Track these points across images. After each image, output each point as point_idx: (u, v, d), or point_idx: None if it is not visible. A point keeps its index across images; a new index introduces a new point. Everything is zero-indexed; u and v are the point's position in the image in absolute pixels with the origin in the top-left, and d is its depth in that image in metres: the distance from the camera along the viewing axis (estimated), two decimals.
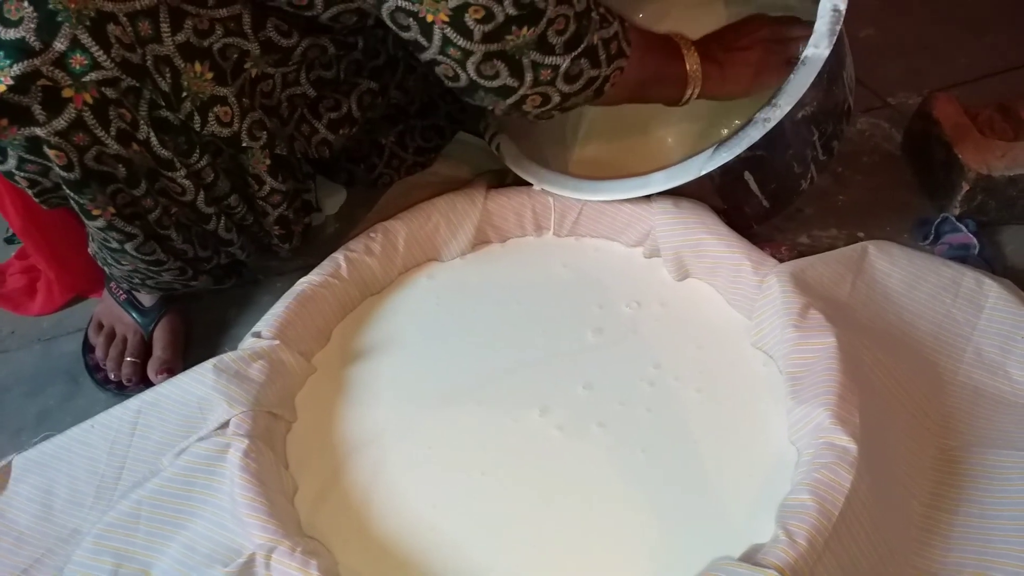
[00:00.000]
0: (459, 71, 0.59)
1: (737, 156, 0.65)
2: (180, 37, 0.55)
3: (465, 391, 0.68)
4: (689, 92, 0.71)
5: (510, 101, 0.62)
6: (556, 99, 0.62)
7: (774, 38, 0.73)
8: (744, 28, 0.74)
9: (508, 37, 0.57)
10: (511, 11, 0.55)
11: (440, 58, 0.59)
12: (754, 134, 0.64)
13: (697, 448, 0.62)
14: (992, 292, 0.68)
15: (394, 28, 0.59)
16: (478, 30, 0.56)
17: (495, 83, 0.60)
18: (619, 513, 0.59)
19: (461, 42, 0.57)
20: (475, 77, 0.59)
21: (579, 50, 0.60)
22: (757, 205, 0.73)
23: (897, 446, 0.59)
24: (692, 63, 0.70)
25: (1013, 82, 0.96)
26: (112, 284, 0.82)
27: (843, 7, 0.63)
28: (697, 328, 0.71)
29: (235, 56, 0.59)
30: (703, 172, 0.66)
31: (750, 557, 0.51)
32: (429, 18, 0.56)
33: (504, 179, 0.84)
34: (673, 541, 0.57)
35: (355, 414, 0.68)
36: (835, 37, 0.63)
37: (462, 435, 0.65)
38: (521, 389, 0.67)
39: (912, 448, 0.60)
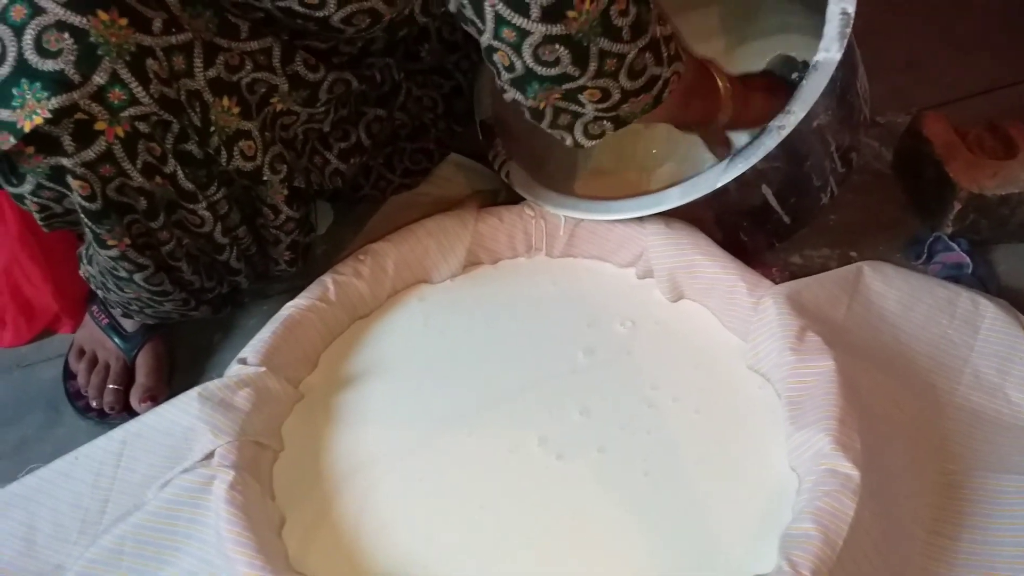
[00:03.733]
0: (514, 58, 0.53)
1: (754, 168, 0.64)
2: (212, 72, 0.55)
3: (458, 419, 0.67)
4: (722, 112, 0.69)
5: (568, 87, 0.55)
6: (616, 96, 0.56)
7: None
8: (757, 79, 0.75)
9: (570, 13, 0.50)
10: None
11: (496, 43, 0.53)
12: (769, 143, 0.63)
13: (698, 472, 0.61)
14: (988, 313, 0.68)
15: (457, 19, 0.56)
16: (535, 5, 0.50)
17: (554, 71, 0.54)
18: (621, 544, 0.58)
19: (517, 20, 0.51)
20: (532, 64, 0.53)
21: (646, 40, 0.54)
22: (778, 221, 0.72)
23: (898, 471, 0.58)
24: (722, 81, 0.68)
25: (1000, 101, 0.96)
26: (95, 308, 0.80)
27: (851, 10, 0.63)
28: (692, 349, 0.70)
29: (262, 91, 0.58)
30: (719, 185, 0.65)
31: None
32: None
33: (496, 199, 0.83)
34: (676, 571, 0.56)
35: (344, 443, 0.66)
36: (845, 40, 0.63)
37: (457, 466, 0.64)
38: (517, 416, 0.66)
39: (913, 473, 0.59)
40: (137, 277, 0.62)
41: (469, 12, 0.53)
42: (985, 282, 0.76)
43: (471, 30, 0.55)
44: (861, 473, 0.53)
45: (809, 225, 0.77)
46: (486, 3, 0.51)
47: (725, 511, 0.58)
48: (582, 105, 0.57)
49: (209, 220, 0.61)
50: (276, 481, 0.64)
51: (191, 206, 0.59)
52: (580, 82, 0.55)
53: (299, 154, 0.66)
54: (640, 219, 0.73)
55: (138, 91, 0.51)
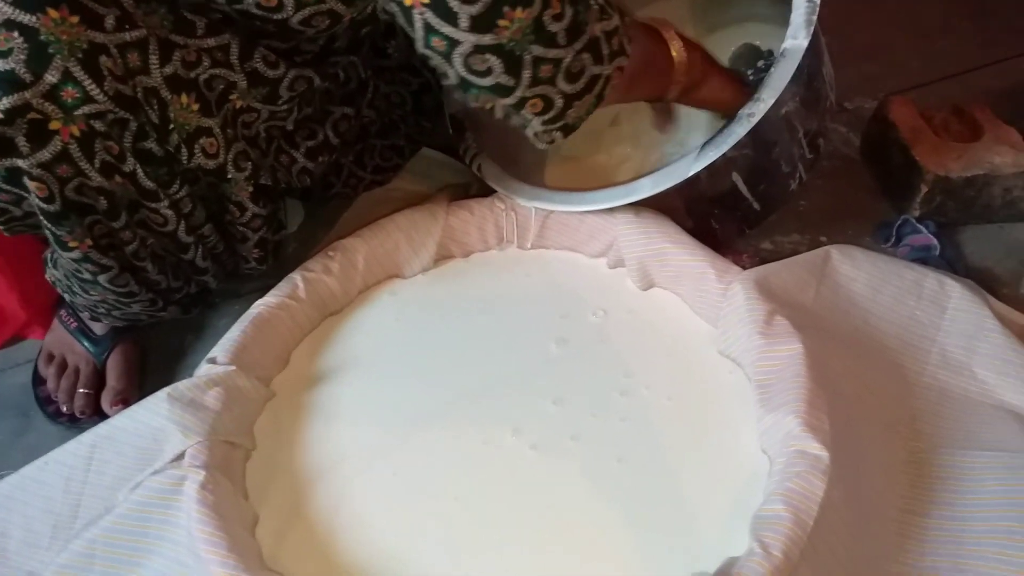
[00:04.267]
0: (446, 67, 0.52)
1: (724, 156, 0.64)
2: (168, 69, 0.54)
3: (432, 413, 0.66)
4: (670, 91, 0.67)
5: (507, 102, 0.55)
6: (559, 103, 0.56)
7: None
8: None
9: (501, 22, 0.49)
10: None
11: (427, 52, 0.52)
12: (739, 130, 0.63)
13: (671, 458, 0.61)
14: (955, 293, 0.68)
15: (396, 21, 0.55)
16: (463, 13, 0.49)
17: (487, 81, 0.53)
18: (596, 530, 0.58)
19: (446, 29, 0.49)
20: (464, 73, 0.52)
21: (583, 42, 0.53)
22: (748, 208, 0.72)
23: (868, 451, 0.59)
24: (678, 52, 0.65)
25: (965, 85, 0.97)
26: (63, 312, 0.79)
27: None
28: (664, 336, 0.70)
29: (221, 87, 0.58)
30: (690, 174, 0.65)
31: (726, 571, 0.50)
32: (407, 1, 0.49)
33: (467, 192, 0.83)
34: (650, 557, 0.56)
35: (317, 440, 0.66)
36: (812, 27, 0.63)
37: (431, 460, 0.63)
38: (491, 409, 0.66)
39: (883, 452, 0.60)
40: (101, 279, 0.61)
41: (400, 20, 0.52)
42: (953, 263, 0.77)
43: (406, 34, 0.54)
44: (830, 453, 0.53)
45: (779, 211, 0.77)
46: (415, 11, 0.50)
47: (698, 495, 0.58)
48: (527, 120, 0.57)
49: (172, 219, 0.60)
50: (248, 480, 0.63)
51: (153, 205, 0.58)
52: (517, 93, 0.54)
53: (264, 152, 0.65)
54: (610, 209, 0.73)
55: (92, 89, 0.50)
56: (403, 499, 0.61)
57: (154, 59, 0.53)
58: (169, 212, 0.59)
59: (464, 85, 0.54)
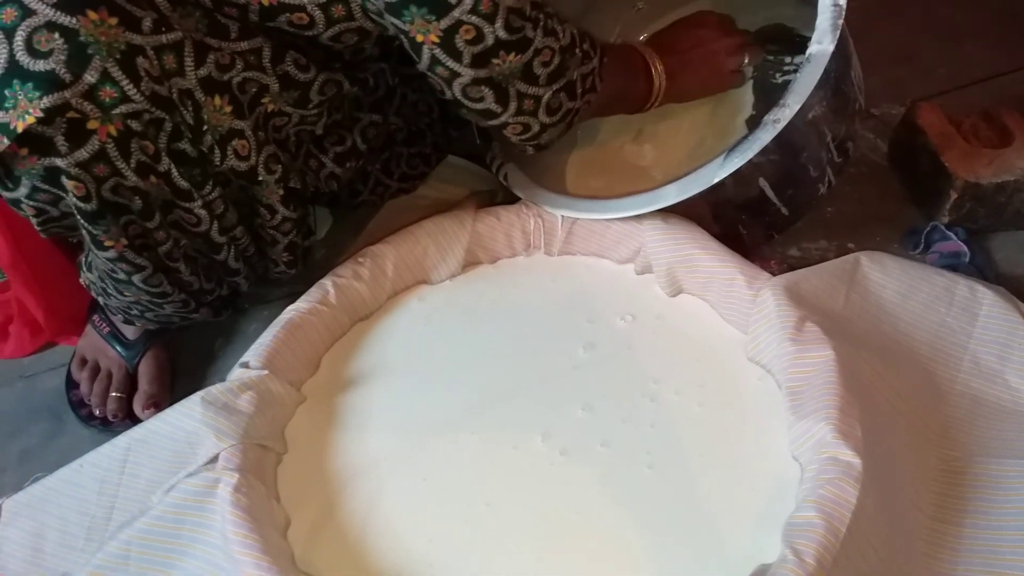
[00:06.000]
0: (445, 88, 0.60)
1: (749, 161, 0.64)
2: (203, 71, 0.55)
3: (461, 418, 0.67)
4: (649, 105, 0.77)
5: (493, 123, 0.63)
6: (535, 128, 0.64)
7: (723, 49, 0.79)
8: (693, 33, 0.80)
9: (495, 61, 0.57)
10: (501, 35, 0.56)
11: (429, 74, 0.59)
12: (764, 137, 0.63)
13: (702, 464, 0.61)
14: (986, 300, 0.68)
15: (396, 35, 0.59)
16: (467, 52, 0.56)
17: (479, 106, 0.61)
18: (627, 537, 0.58)
19: (450, 63, 0.57)
20: (460, 98, 0.60)
21: (561, 83, 0.62)
22: (776, 213, 0.72)
23: (899, 458, 0.59)
24: (659, 79, 0.75)
25: (994, 90, 0.96)
26: (96, 318, 0.81)
27: (843, 1, 0.63)
28: (693, 342, 0.70)
29: (253, 90, 0.59)
30: (716, 180, 0.65)
31: None
32: (419, 38, 0.56)
33: (493, 199, 0.84)
34: (680, 564, 0.56)
35: (347, 444, 0.66)
36: (838, 32, 0.63)
37: (461, 465, 0.64)
38: (520, 414, 0.66)
39: (914, 460, 0.59)
40: (136, 279, 0.62)
41: (406, 45, 0.57)
42: (983, 270, 0.76)
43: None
44: (863, 461, 0.53)
45: (807, 217, 0.77)
46: (425, 45, 0.56)
47: (729, 502, 0.58)
48: (507, 138, 0.66)
49: (206, 219, 0.61)
50: (280, 483, 0.64)
51: (187, 205, 0.59)
52: (502, 118, 0.62)
53: (294, 156, 0.66)
54: (637, 215, 0.73)
55: (129, 89, 0.52)
56: (434, 504, 0.62)
57: (189, 61, 0.54)
58: (203, 212, 0.60)
59: (457, 104, 0.62)
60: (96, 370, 0.79)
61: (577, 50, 0.62)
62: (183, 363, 0.82)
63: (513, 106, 0.61)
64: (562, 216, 0.77)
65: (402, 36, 0.57)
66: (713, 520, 0.57)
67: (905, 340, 0.67)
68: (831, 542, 0.50)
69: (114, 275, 0.63)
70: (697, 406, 0.65)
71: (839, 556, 0.50)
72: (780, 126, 0.63)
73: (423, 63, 0.58)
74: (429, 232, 0.77)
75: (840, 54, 0.64)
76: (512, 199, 0.80)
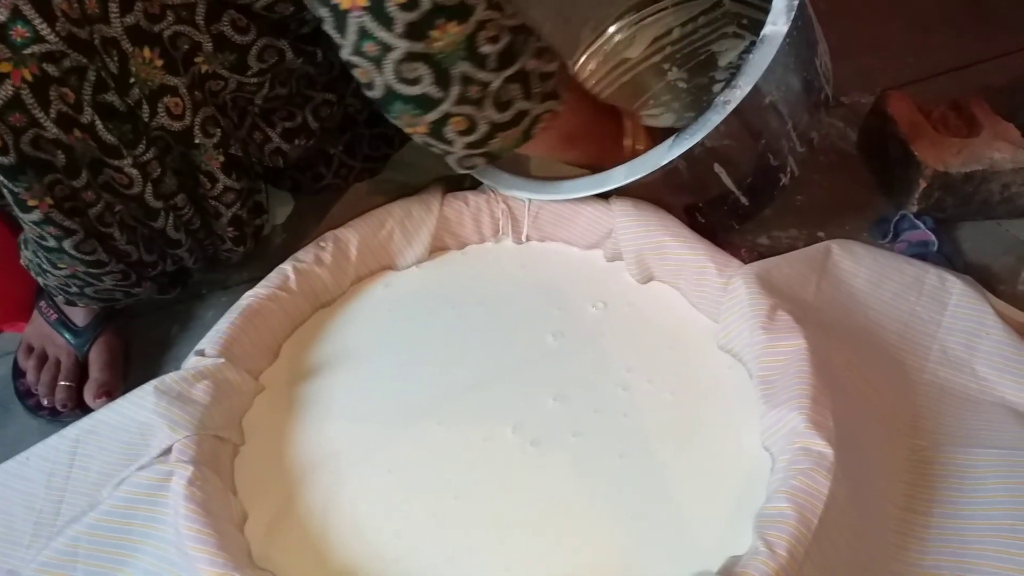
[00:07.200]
0: (375, 74, 0.52)
1: (703, 146, 0.62)
2: (129, 19, 0.52)
3: (427, 408, 0.65)
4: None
5: (430, 117, 0.54)
6: (484, 128, 0.55)
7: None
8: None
9: (433, 33, 0.49)
10: None
11: (355, 59, 0.52)
12: (715, 118, 0.61)
13: (673, 454, 0.60)
14: (955, 289, 0.68)
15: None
16: (400, 19, 0.48)
17: (415, 90, 0.52)
18: (598, 528, 0.57)
19: (381, 33, 0.49)
20: (392, 80, 0.52)
21: (513, 70, 0.53)
22: (735, 202, 0.71)
23: (870, 448, 0.58)
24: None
25: (963, 80, 0.97)
26: (42, 304, 0.77)
27: None
28: (664, 330, 0.69)
29: (186, 47, 0.56)
30: (665, 162, 0.63)
31: (729, 570, 0.49)
32: (345, 4, 0.49)
33: (462, 183, 0.82)
34: (652, 555, 0.55)
35: (308, 435, 0.64)
36: (792, 13, 0.61)
37: (428, 457, 0.62)
38: (489, 403, 0.65)
39: (885, 450, 0.59)
40: (67, 244, 0.59)
41: (329, 25, 0.51)
42: (951, 259, 0.76)
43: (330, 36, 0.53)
44: (835, 451, 0.53)
45: (771, 206, 0.76)
46: (351, 15, 0.49)
47: (700, 492, 0.57)
48: (450, 143, 0.56)
49: (138, 180, 0.58)
50: (237, 476, 0.62)
51: (116, 163, 0.56)
52: (443, 107, 0.53)
53: (236, 125, 0.64)
54: (607, 201, 0.72)
55: (42, 28, 0.49)
56: (399, 497, 0.60)
57: (114, 7, 0.52)
58: (134, 172, 0.58)
59: (390, 96, 0.53)
60: (43, 358, 0.76)
61: (531, 37, 0.54)
62: (136, 350, 0.79)
63: (455, 91, 0.52)
64: (529, 201, 0.75)
65: (326, 12, 0.50)
66: (685, 511, 0.57)
67: (875, 329, 0.66)
68: (803, 533, 0.49)
69: (44, 242, 0.59)
70: (669, 395, 0.64)
71: (811, 547, 0.49)
72: (731, 107, 0.61)
73: (349, 42, 0.51)
74: (395, 216, 0.75)
75: (803, 39, 0.63)
76: (481, 184, 0.78)
